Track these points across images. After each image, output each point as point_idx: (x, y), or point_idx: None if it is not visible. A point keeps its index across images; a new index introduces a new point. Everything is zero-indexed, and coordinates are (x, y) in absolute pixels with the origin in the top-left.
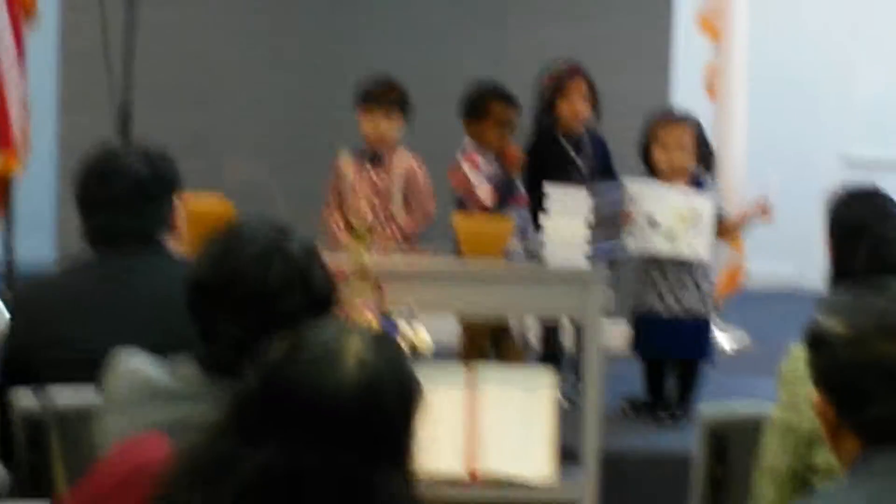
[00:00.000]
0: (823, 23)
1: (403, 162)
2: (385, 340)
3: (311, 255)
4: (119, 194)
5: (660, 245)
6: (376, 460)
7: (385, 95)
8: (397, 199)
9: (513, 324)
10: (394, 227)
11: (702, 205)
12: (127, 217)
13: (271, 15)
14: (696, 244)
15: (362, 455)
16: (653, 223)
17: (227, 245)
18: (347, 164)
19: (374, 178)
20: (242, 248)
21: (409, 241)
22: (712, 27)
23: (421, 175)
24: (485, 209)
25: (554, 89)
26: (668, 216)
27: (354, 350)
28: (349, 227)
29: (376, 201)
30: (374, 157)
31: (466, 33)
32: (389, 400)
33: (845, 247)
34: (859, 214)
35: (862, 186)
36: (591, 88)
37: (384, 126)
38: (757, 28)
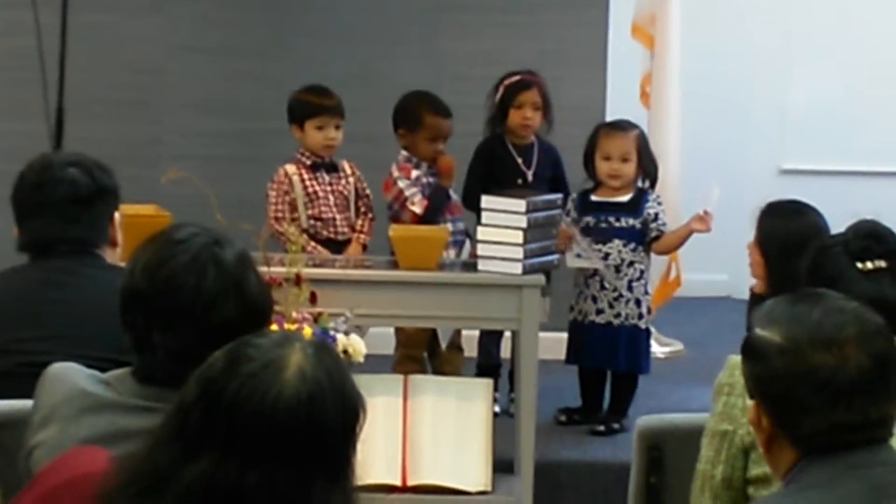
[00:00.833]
0: (757, 32)
1: (348, 168)
2: (326, 351)
3: (245, 263)
4: (55, 201)
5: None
6: (315, 474)
7: (336, 105)
8: (353, 205)
9: (446, 331)
10: (358, 233)
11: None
12: (62, 224)
13: (206, 23)
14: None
15: (302, 469)
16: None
17: (160, 253)
18: (294, 174)
19: (338, 186)
20: (175, 257)
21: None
22: (646, 34)
23: (363, 180)
24: (417, 219)
25: (506, 98)
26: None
27: (295, 362)
28: (311, 236)
29: (343, 210)
30: (328, 166)
31: (398, 41)
32: (331, 413)
33: (782, 262)
34: (795, 230)
35: (791, 201)
36: (545, 98)
37: (335, 135)
38: (690, 35)
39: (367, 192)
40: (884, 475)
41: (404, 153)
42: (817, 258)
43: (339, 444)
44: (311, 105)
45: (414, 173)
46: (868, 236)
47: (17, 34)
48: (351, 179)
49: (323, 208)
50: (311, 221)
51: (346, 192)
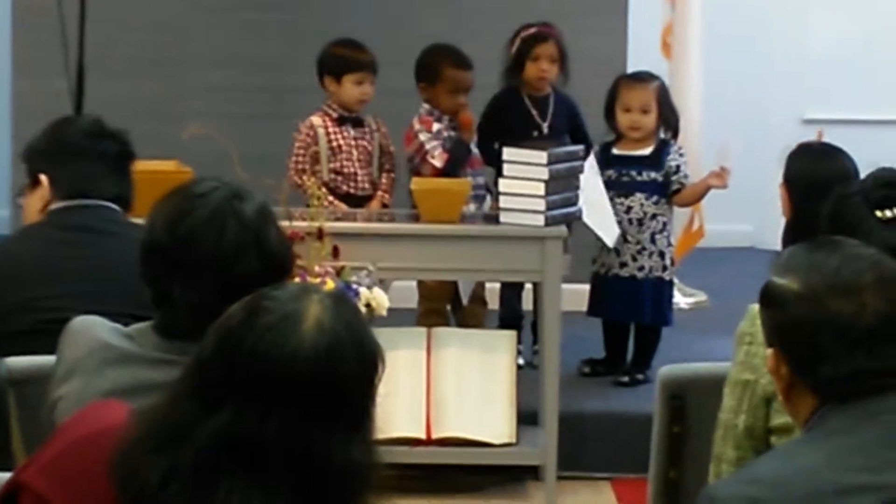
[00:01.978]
0: None
1: (374, 124)
2: (344, 303)
3: (266, 217)
4: (112, 153)
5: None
6: (335, 425)
7: (373, 61)
8: (376, 161)
9: (468, 285)
10: (382, 191)
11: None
12: (114, 177)
13: None
14: (607, 230)
15: (321, 421)
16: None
17: (180, 207)
18: (320, 126)
19: (362, 141)
20: (196, 211)
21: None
22: None
23: (388, 137)
24: (437, 173)
25: (523, 51)
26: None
27: (313, 314)
28: (331, 189)
29: (366, 165)
30: (354, 120)
31: None
32: (349, 364)
33: (805, 204)
34: (821, 173)
35: (822, 144)
36: (561, 50)
37: (370, 91)
38: None
39: (391, 149)
40: None
41: (426, 106)
42: (836, 206)
43: (358, 396)
44: (350, 60)
45: (435, 126)
46: (887, 185)
47: None
48: (376, 135)
49: (345, 162)
50: (332, 175)
51: (370, 148)
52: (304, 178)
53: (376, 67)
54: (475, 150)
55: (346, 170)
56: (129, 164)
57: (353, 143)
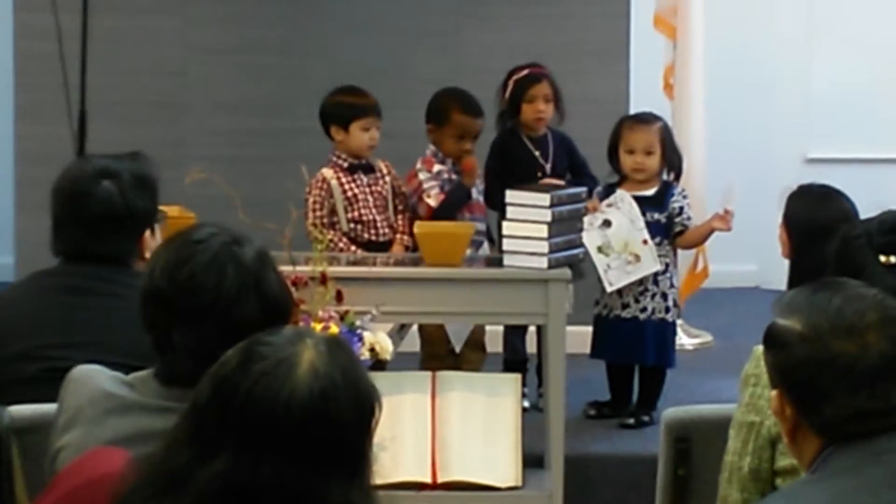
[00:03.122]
0: (780, 20)
1: (384, 168)
2: (339, 347)
3: (265, 261)
4: (84, 216)
5: (591, 243)
6: (332, 471)
7: (377, 105)
8: (391, 205)
9: (459, 332)
10: (400, 234)
11: (647, 263)
12: (90, 239)
13: (225, 22)
14: (613, 276)
15: (317, 466)
16: (606, 224)
17: (179, 254)
18: (332, 178)
19: (377, 187)
20: (195, 257)
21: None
22: (668, 25)
23: (398, 178)
24: (431, 212)
25: (517, 93)
26: (620, 238)
27: (307, 358)
28: (352, 239)
29: (383, 210)
30: (365, 167)
31: (419, 35)
32: (344, 409)
33: (805, 246)
34: (821, 215)
35: (821, 186)
36: (555, 89)
37: (377, 136)
38: (713, 26)
39: (403, 190)
40: None
41: (431, 147)
42: (841, 248)
43: (355, 441)
44: (355, 107)
45: (436, 167)
46: (892, 230)
47: (38, 38)
48: (388, 178)
49: (363, 210)
50: (352, 225)
51: (384, 193)
52: (324, 231)
53: (380, 111)
54: (477, 195)
55: (364, 218)
56: (117, 221)
57: (367, 190)
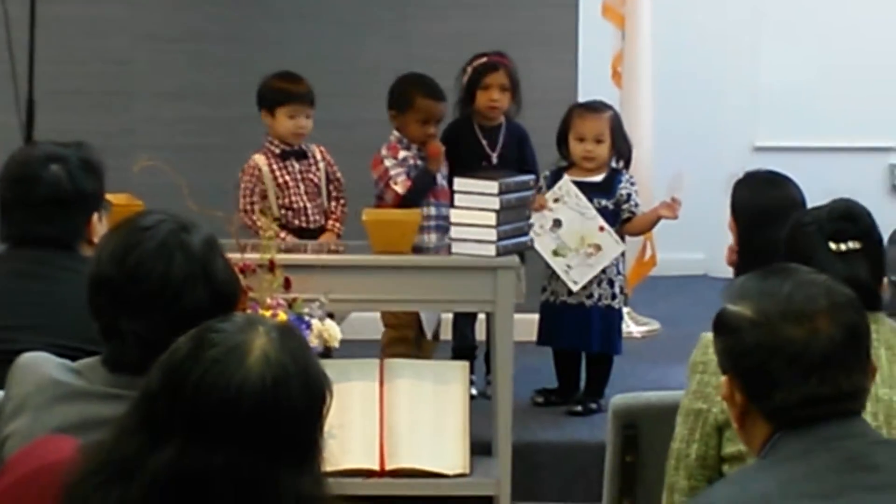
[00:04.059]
0: (728, 8)
1: (318, 154)
2: (291, 334)
3: (213, 248)
4: (32, 199)
5: (545, 249)
6: (283, 458)
7: (307, 93)
8: (325, 191)
9: (431, 320)
10: (332, 220)
11: (609, 249)
12: (37, 222)
13: (173, 10)
14: (575, 274)
15: (269, 453)
16: (557, 224)
17: (126, 241)
18: (263, 165)
19: (308, 174)
20: (142, 243)
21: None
22: (617, 13)
23: (334, 164)
24: (399, 199)
25: (474, 80)
26: (574, 234)
27: (259, 346)
28: (283, 225)
29: (314, 197)
30: (298, 154)
31: (368, 24)
32: (296, 396)
33: (752, 233)
34: (767, 202)
35: (768, 172)
36: (513, 79)
37: (306, 124)
38: (661, 14)
39: (339, 176)
40: (856, 447)
41: (396, 134)
42: (791, 234)
43: (306, 428)
44: (282, 92)
45: (402, 154)
46: (842, 217)
47: None
48: (321, 165)
49: (294, 198)
50: (283, 211)
51: (316, 180)
52: (255, 217)
53: (312, 99)
54: (442, 181)
55: (295, 205)
56: (64, 204)
57: (298, 177)
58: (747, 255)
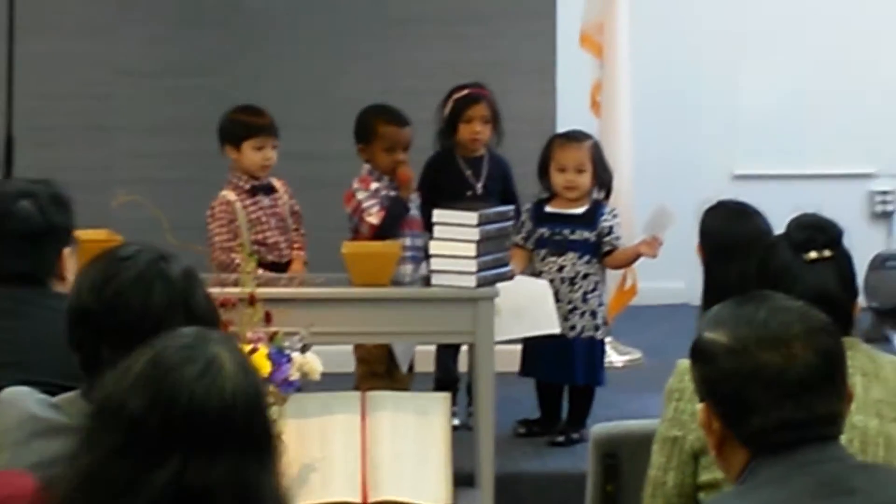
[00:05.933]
0: (706, 38)
1: (281, 188)
2: (230, 338)
3: (192, 278)
4: (2, 235)
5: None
6: (265, 460)
7: (271, 125)
8: (290, 224)
9: (406, 352)
10: (296, 250)
11: (537, 287)
12: (8, 258)
13: (151, 44)
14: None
15: (257, 456)
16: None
17: (105, 271)
18: (235, 200)
19: (276, 208)
20: (122, 273)
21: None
22: (595, 43)
23: (292, 196)
24: (374, 230)
25: (455, 113)
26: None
27: (225, 354)
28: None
29: (284, 231)
30: (266, 188)
31: (348, 56)
32: (263, 398)
33: (716, 263)
34: (732, 233)
35: (737, 203)
36: (494, 111)
37: (272, 155)
38: (639, 43)
39: (297, 208)
40: (834, 471)
41: (366, 166)
42: (763, 257)
43: (270, 427)
44: (248, 125)
45: (373, 185)
46: (810, 227)
47: None
48: (285, 198)
49: (267, 233)
50: (255, 246)
51: (283, 214)
52: (236, 250)
53: (276, 131)
54: (415, 211)
55: (268, 240)
56: (36, 239)
57: (269, 212)
58: (710, 285)
